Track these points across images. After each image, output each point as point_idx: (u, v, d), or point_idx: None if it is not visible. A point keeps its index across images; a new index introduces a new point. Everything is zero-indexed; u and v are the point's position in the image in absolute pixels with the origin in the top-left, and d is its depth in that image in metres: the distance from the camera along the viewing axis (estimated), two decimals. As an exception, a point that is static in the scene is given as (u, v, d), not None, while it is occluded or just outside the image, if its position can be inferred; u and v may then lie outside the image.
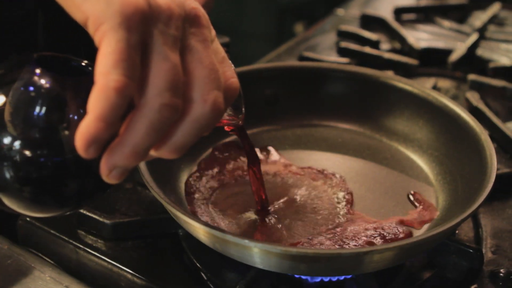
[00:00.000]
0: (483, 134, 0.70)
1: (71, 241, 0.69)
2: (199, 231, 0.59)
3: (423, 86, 0.79)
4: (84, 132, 0.42)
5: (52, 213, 0.51)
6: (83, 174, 0.49)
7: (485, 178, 0.64)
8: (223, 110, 0.48)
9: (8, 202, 0.49)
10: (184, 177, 0.74)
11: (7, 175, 0.47)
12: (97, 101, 0.42)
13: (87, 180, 0.49)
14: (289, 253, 0.56)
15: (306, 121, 0.84)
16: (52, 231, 0.70)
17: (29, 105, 0.47)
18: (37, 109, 0.46)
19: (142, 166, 0.64)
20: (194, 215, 0.67)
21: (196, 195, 0.71)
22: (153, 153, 0.47)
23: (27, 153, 0.47)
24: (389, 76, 0.83)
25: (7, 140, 0.47)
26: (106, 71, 0.42)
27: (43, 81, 0.47)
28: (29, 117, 0.46)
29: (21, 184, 0.48)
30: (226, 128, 0.63)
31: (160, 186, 0.63)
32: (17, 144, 0.47)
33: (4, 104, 0.47)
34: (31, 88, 0.47)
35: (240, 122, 0.62)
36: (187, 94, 0.46)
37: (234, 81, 0.51)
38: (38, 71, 0.47)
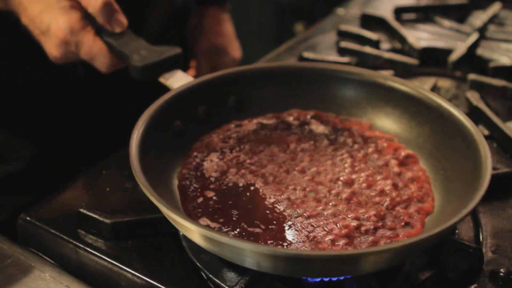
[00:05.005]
0: (478, 134, 0.69)
1: (71, 240, 0.69)
2: (194, 233, 0.59)
3: (419, 87, 0.79)
4: None
5: None
6: None
7: (481, 177, 0.64)
8: None
9: None
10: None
11: None
12: None
13: None
14: (287, 254, 0.55)
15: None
16: (52, 231, 0.70)
17: None
18: None
19: (137, 168, 0.64)
20: (189, 217, 0.67)
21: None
22: None
23: None
24: (386, 77, 0.83)
25: None
26: None
27: None
28: None
29: None
30: None
31: (154, 187, 0.62)
32: None
33: None
34: None
35: None
36: None
37: None
38: None
